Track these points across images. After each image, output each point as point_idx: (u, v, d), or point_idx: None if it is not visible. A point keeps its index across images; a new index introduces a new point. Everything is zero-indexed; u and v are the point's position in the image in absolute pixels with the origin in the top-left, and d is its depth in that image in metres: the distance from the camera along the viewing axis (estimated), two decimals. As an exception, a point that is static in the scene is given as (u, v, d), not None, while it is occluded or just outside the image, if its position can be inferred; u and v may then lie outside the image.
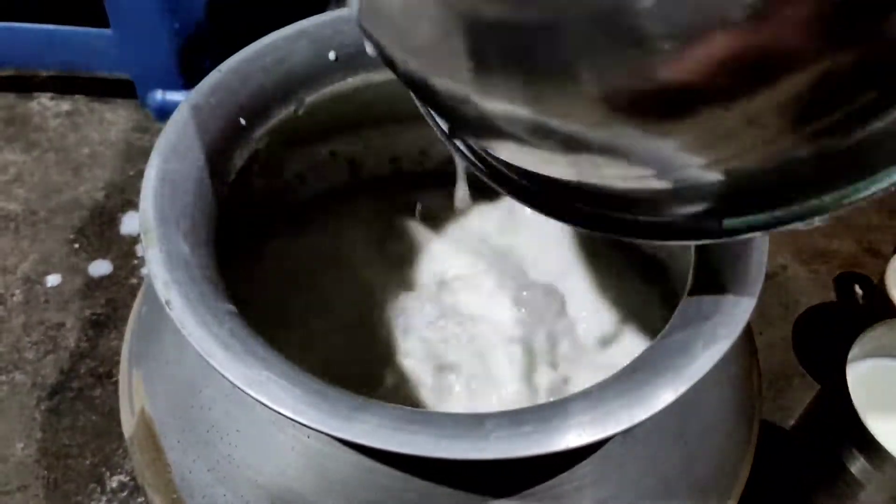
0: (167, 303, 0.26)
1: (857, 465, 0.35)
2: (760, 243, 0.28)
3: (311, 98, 0.35)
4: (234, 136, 0.33)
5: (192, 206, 0.29)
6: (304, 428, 0.27)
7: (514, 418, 0.24)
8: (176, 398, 0.30)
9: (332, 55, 0.35)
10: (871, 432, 0.34)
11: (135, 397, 0.32)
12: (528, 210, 0.28)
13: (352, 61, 0.36)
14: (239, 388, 0.24)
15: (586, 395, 0.25)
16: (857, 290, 0.52)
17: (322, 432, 0.24)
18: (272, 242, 0.40)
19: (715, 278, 0.28)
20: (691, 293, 0.28)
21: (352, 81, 0.36)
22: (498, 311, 0.38)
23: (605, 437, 0.24)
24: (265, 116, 0.34)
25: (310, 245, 0.40)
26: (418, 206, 0.42)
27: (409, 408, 0.25)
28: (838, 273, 0.53)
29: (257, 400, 0.24)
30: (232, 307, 0.27)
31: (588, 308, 0.39)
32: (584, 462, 0.27)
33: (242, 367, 0.24)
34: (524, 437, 0.24)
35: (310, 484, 0.27)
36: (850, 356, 0.36)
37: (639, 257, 0.40)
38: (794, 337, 0.49)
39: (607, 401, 0.25)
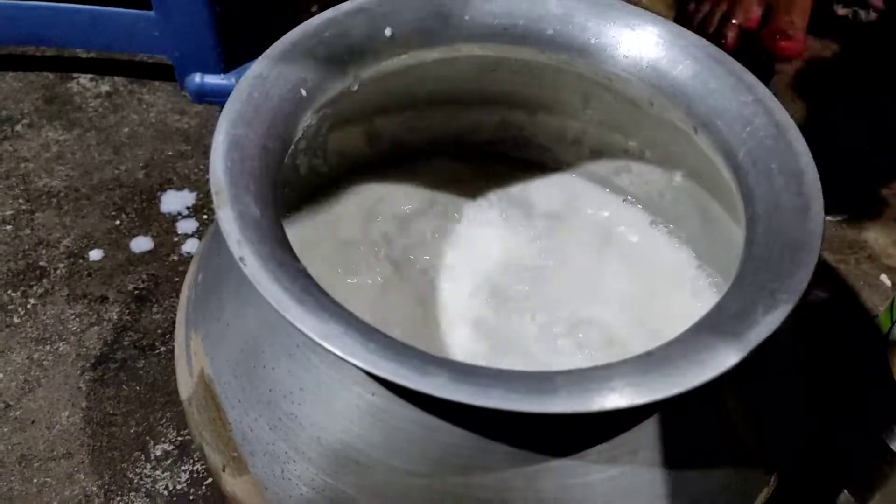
0: (241, 259, 0.27)
1: (896, 443, 0.36)
2: (817, 214, 0.29)
3: (365, 74, 0.36)
4: (296, 106, 0.33)
5: (259, 170, 0.30)
6: (369, 385, 0.28)
7: (581, 375, 0.25)
8: (237, 358, 0.31)
9: (388, 31, 0.36)
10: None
11: (193, 359, 0.33)
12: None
13: (406, 39, 0.36)
14: (315, 340, 0.25)
15: (648, 355, 0.26)
16: (885, 279, 0.53)
17: (397, 385, 0.24)
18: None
19: (772, 249, 0.29)
20: (745, 264, 0.29)
21: (405, 58, 0.37)
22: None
23: (664, 397, 0.24)
24: (323, 89, 0.35)
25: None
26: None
27: (480, 365, 0.25)
28: (867, 264, 0.54)
29: (333, 353, 0.25)
30: (302, 265, 0.28)
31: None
32: (640, 425, 0.28)
33: (317, 321, 0.25)
34: (591, 393, 0.24)
35: (374, 441, 0.28)
36: (892, 339, 0.36)
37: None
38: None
39: (670, 362, 0.25)
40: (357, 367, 0.24)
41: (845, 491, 0.39)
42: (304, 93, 0.33)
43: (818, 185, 0.30)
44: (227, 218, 0.27)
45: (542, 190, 0.44)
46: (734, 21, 0.63)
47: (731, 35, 0.63)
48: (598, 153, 0.44)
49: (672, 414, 0.28)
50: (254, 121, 0.31)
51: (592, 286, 0.40)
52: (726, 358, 0.25)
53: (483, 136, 0.45)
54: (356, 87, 0.36)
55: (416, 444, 0.28)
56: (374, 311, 0.37)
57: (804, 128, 0.32)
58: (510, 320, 0.38)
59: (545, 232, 0.42)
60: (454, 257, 0.41)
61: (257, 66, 0.33)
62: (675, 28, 0.36)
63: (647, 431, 0.28)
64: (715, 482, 0.30)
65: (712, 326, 0.26)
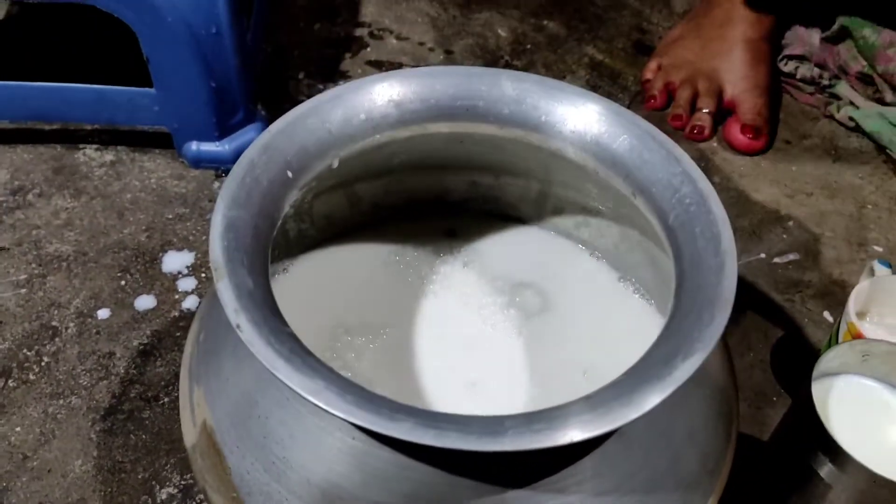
0: (238, 326, 0.31)
1: (825, 469, 0.40)
2: (730, 273, 0.34)
3: (344, 153, 0.41)
4: (283, 186, 0.38)
5: (251, 246, 0.35)
6: (350, 431, 0.32)
7: (527, 418, 0.29)
8: (235, 410, 0.35)
9: (362, 116, 0.41)
10: (835, 439, 0.39)
11: (196, 411, 0.37)
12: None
13: (379, 121, 0.41)
14: (301, 395, 0.29)
15: (587, 399, 0.30)
16: (827, 316, 0.57)
17: (370, 431, 0.29)
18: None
19: (693, 303, 0.34)
20: (674, 316, 0.34)
21: (379, 138, 0.42)
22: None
23: (602, 433, 0.29)
24: (307, 169, 0.39)
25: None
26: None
27: (441, 411, 0.30)
28: (811, 302, 0.59)
29: (316, 405, 0.29)
30: (290, 329, 0.32)
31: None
32: (584, 458, 0.32)
33: (303, 378, 0.30)
34: (535, 433, 0.29)
35: (355, 480, 0.32)
36: (814, 374, 0.41)
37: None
38: (771, 359, 0.55)
39: (604, 403, 0.30)
40: (338, 416, 0.29)
41: (785, 514, 0.43)
42: (289, 174, 0.38)
43: (733, 246, 0.35)
44: (224, 290, 0.32)
45: (509, 241, 0.49)
46: (706, 111, 0.70)
47: (703, 126, 0.69)
48: (560, 210, 0.49)
49: (611, 447, 0.33)
50: (246, 203, 0.36)
51: (562, 333, 0.44)
52: (650, 398, 0.30)
53: (456, 196, 0.50)
54: (336, 165, 0.41)
55: (391, 481, 0.32)
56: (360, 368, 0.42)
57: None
58: (486, 369, 0.43)
59: (509, 287, 0.47)
60: (421, 303, 0.46)
61: (249, 153, 0.38)
62: (614, 106, 0.41)
63: (590, 464, 0.32)
64: (654, 507, 0.34)
65: (641, 371, 0.31)
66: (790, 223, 0.64)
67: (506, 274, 0.48)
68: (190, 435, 0.38)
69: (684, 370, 0.30)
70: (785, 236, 0.63)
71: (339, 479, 0.32)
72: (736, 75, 0.70)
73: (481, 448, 0.28)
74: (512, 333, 0.45)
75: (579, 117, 0.41)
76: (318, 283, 0.46)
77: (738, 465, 0.38)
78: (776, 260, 0.62)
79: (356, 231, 0.49)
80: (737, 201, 0.66)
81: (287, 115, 0.40)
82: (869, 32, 0.69)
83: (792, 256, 0.62)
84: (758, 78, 0.70)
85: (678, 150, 0.39)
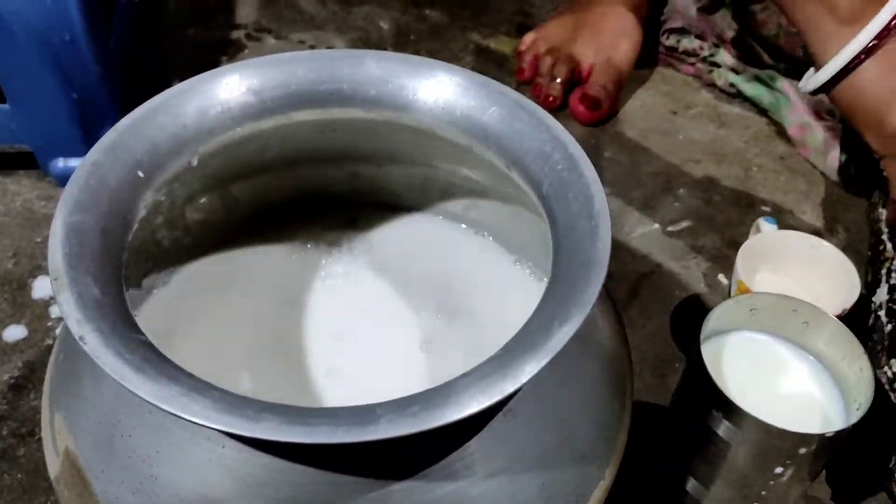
0: (81, 338, 0.28)
1: (722, 427, 0.40)
2: (604, 235, 0.33)
3: (203, 148, 0.39)
4: (134, 188, 0.36)
5: (99, 252, 0.32)
6: (220, 439, 0.30)
7: (401, 402, 0.28)
8: (97, 431, 0.32)
9: (218, 108, 0.39)
10: (727, 395, 0.39)
11: (58, 438, 0.34)
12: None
13: (238, 112, 0.39)
14: (153, 404, 0.27)
15: (464, 376, 0.29)
16: (722, 279, 0.58)
17: (238, 436, 0.27)
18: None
19: (569, 268, 0.33)
20: (551, 283, 0.33)
21: (241, 131, 0.40)
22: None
23: (480, 409, 0.28)
24: (162, 168, 0.37)
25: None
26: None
27: (308, 407, 0.28)
28: (706, 266, 0.59)
29: (171, 413, 0.27)
30: (144, 337, 0.30)
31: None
32: (472, 440, 0.31)
33: (155, 386, 0.27)
34: (411, 417, 0.27)
35: (228, 491, 0.30)
36: (703, 334, 0.41)
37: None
38: (671, 326, 0.55)
39: (482, 378, 0.28)
40: (194, 422, 0.27)
41: (692, 479, 0.43)
42: (140, 174, 0.36)
43: (606, 208, 0.34)
44: (65, 301, 0.29)
45: (400, 231, 0.48)
46: (558, 80, 0.70)
47: (555, 95, 0.70)
48: (449, 194, 0.48)
49: (499, 425, 0.31)
50: (92, 207, 0.33)
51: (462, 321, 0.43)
52: (527, 369, 0.28)
53: (341, 190, 0.48)
54: (195, 163, 0.38)
55: (268, 487, 0.30)
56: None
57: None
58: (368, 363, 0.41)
59: (404, 278, 0.45)
60: (314, 307, 0.44)
61: (92, 154, 0.35)
62: (480, 78, 0.40)
63: (477, 445, 0.31)
64: (550, 482, 0.33)
65: (518, 343, 0.30)
66: (681, 191, 0.65)
67: (400, 265, 0.46)
68: (53, 466, 0.35)
69: (561, 337, 0.29)
70: (677, 205, 0.64)
71: (211, 491, 0.30)
72: (592, 48, 0.71)
73: (352, 439, 0.26)
74: (409, 324, 0.43)
75: (447, 92, 0.40)
76: (200, 294, 0.44)
77: (642, 434, 0.37)
78: (670, 228, 0.62)
79: (242, 236, 0.47)
80: (629, 173, 0.66)
81: (135, 111, 0.37)
82: (739, -1, 0.70)
83: (685, 224, 0.62)
84: (612, 52, 0.71)
85: (548, 118, 0.38)
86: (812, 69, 0.54)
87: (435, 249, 0.48)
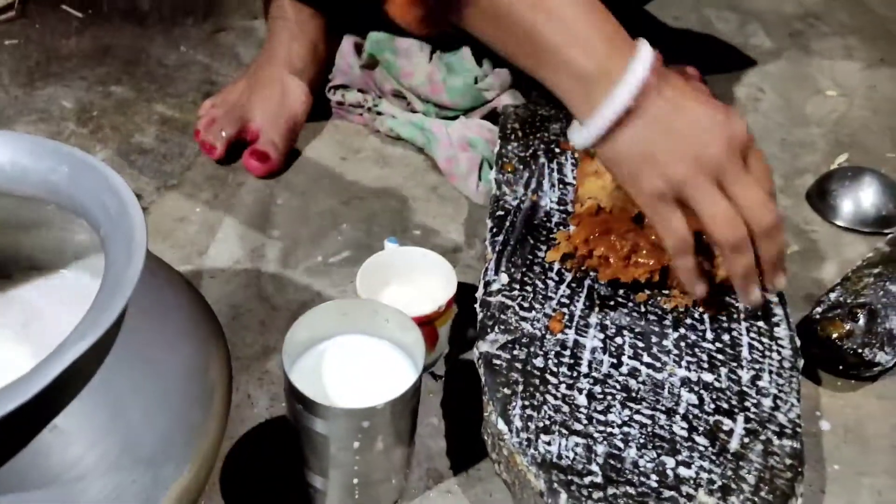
0: None
1: (318, 423, 0.46)
2: (137, 260, 0.38)
3: None
4: None
5: None
6: None
7: None
8: None
9: None
10: (306, 395, 0.45)
11: None
12: None
13: None
14: None
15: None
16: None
17: None
18: None
19: (105, 287, 0.38)
20: (95, 299, 0.37)
21: None
22: None
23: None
24: None
25: None
26: None
27: None
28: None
29: None
30: None
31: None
32: (16, 457, 0.35)
33: None
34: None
35: None
36: (285, 347, 0.47)
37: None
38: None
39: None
40: None
41: (312, 472, 0.49)
42: None
43: (143, 240, 0.39)
44: None
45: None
46: (223, 133, 0.77)
47: (213, 144, 0.77)
48: (83, 252, 0.52)
49: (49, 437, 0.35)
50: None
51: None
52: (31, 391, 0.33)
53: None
54: None
55: None
56: None
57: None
58: None
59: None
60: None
61: None
62: (48, 142, 0.44)
63: (18, 466, 0.35)
64: (112, 486, 0.37)
65: (45, 363, 0.34)
66: (344, 226, 0.72)
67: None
68: None
69: (72, 354, 0.34)
70: (340, 238, 0.71)
71: None
72: (261, 109, 0.78)
73: None
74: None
75: (25, 158, 0.44)
76: None
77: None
78: (331, 259, 0.69)
79: None
80: (299, 215, 0.73)
81: None
82: (389, 55, 0.80)
83: (345, 254, 0.69)
84: (280, 111, 0.78)
85: (108, 171, 0.43)
86: (576, 122, 0.53)
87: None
